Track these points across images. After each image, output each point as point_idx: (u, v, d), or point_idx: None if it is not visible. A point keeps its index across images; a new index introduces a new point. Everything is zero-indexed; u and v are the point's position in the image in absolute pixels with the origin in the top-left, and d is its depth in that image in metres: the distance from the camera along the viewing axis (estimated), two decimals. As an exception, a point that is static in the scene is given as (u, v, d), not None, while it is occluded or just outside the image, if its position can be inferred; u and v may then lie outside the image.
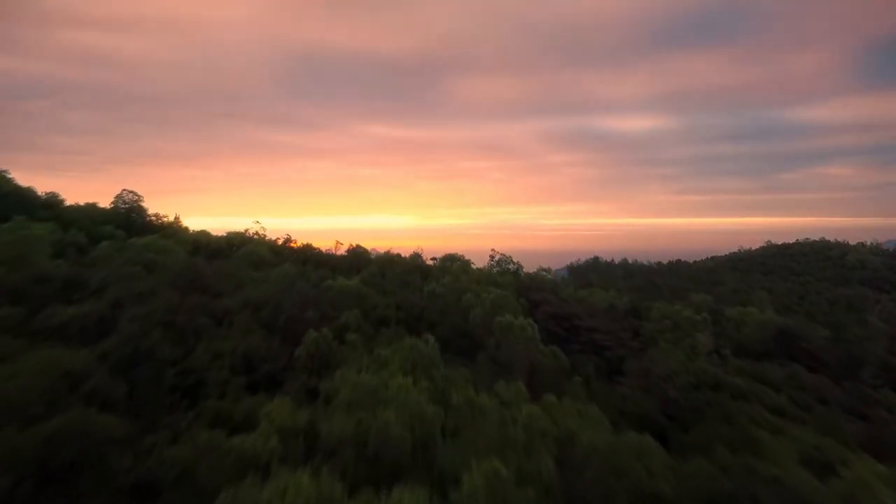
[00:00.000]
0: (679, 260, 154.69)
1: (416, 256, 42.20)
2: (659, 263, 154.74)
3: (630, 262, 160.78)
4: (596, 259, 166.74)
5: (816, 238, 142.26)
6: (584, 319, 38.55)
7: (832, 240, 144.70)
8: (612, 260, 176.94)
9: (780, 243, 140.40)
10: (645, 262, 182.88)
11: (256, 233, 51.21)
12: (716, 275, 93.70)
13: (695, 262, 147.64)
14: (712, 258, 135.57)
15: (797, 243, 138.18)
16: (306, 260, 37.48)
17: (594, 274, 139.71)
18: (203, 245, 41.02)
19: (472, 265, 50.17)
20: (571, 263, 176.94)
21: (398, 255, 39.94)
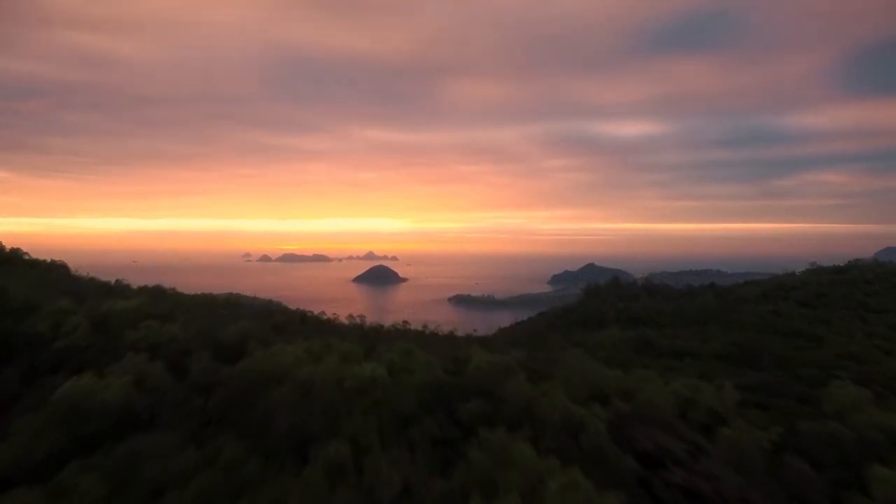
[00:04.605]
0: (713, 283, 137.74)
1: (432, 370, 22.56)
2: (689, 287, 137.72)
3: (655, 282, 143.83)
4: (616, 279, 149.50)
5: (862, 254, 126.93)
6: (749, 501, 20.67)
7: (888, 261, 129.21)
8: (634, 280, 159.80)
9: (828, 266, 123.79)
10: (668, 280, 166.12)
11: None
12: (781, 316, 76.21)
13: (733, 286, 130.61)
14: (755, 283, 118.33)
15: (851, 266, 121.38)
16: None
17: (617, 299, 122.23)
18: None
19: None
20: (589, 285, 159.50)
21: (393, 386, 20.29)
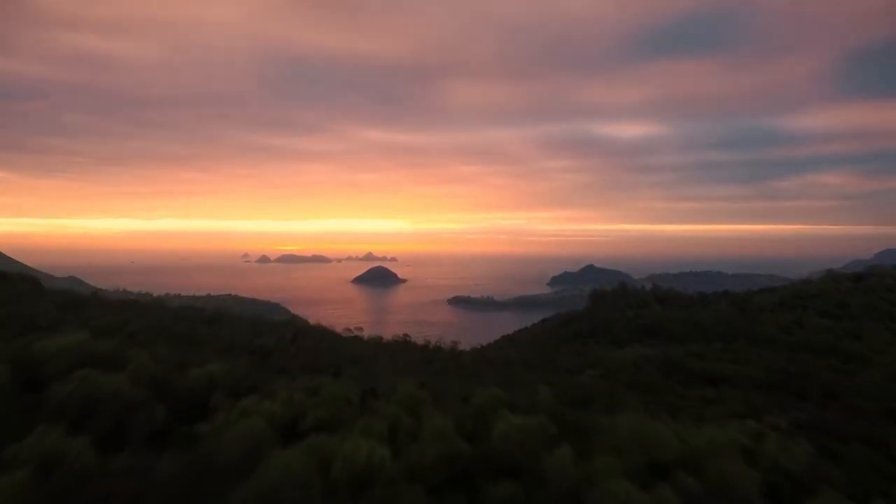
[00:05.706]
0: (727, 291, 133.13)
1: (446, 437, 18.34)
2: (701, 293, 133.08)
3: (661, 285, 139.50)
4: (623, 285, 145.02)
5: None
6: None
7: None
8: (641, 284, 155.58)
9: (846, 272, 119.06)
10: (669, 281, 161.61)
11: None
12: (804, 328, 71.32)
13: (747, 293, 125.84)
14: (770, 290, 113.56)
15: (870, 273, 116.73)
16: None
17: (625, 305, 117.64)
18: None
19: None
20: (595, 290, 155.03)
21: (396, 471, 16.58)
